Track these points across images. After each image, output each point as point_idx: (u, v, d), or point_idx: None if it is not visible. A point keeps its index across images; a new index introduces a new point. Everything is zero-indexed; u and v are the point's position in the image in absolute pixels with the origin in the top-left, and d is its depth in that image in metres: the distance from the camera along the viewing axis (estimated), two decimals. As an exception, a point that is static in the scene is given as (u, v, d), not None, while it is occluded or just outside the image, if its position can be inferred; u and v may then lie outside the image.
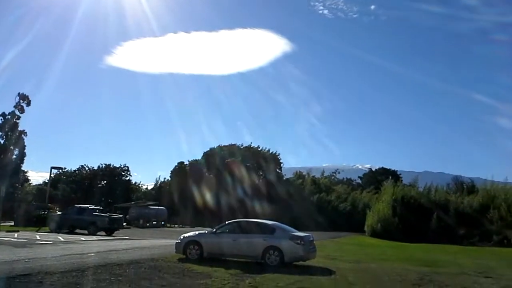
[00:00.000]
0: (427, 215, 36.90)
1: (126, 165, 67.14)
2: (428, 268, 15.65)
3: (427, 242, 33.28)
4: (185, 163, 63.53)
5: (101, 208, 35.62)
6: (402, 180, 59.87)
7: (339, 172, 78.31)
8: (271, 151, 63.50)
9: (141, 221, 46.32)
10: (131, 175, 68.25)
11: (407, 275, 13.44)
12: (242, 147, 63.53)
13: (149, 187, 71.67)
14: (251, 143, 64.57)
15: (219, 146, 63.81)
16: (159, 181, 66.90)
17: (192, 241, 15.47)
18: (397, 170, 73.44)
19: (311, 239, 15.49)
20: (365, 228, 41.19)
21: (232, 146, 63.46)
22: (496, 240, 32.18)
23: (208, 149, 63.81)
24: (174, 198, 54.58)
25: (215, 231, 15.74)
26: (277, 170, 62.73)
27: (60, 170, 60.52)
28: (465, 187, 43.49)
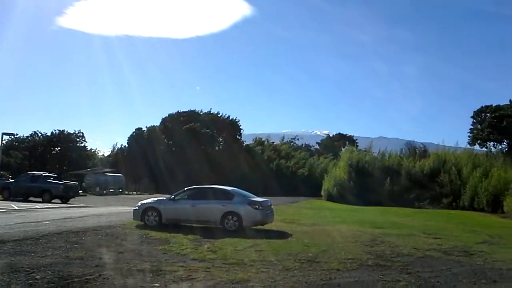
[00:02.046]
0: (381, 179, 38.24)
1: (81, 131, 65.13)
2: (381, 230, 16.34)
3: (380, 205, 34.60)
4: (143, 129, 62.37)
5: (55, 175, 34.68)
6: (358, 146, 61.44)
7: (298, 139, 79.33)
8: (231, 117, 63.28)
9: (97, 189, 45.64)
10: (86, 141, 66.40)
11: (361, 236, 14.00)
12: (201, 113, 62.86)
13: (106, 154, 70.24)
14: (211, 109, 63.94)
15: (178, 112, 62.88)
16: (116, 148, 65.57)
17: (150, 208, 15.39)
18: (353, 136, 75.24)
19: (269, 204, 15.78)
20: (322, 192, 42.29)
21: (191, 112, 62.63)
22: (445, 203, 33.81)
23: (167, 115, 62.81)
24: (132, 165, 53.82)
25: (174, 197, 15.73)
26: (237, 136, 62.79)
27: (12, 137, 58.01)
28: (418, 152, 45.11)
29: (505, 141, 46.70)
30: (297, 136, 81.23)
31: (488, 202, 29.63)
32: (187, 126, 57.95)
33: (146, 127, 62.70)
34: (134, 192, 49.50)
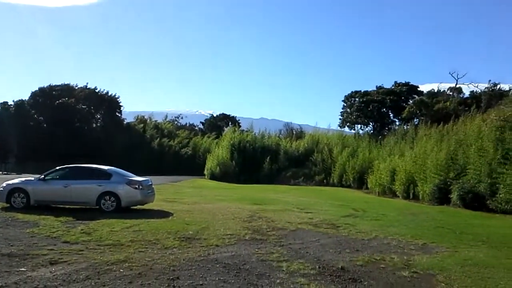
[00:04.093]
0: (261, 158, 39.90)
1: None
2: (258, 206, 17.08)
3: (260, 183, 36.16)
4: (9, 104, 56.46)
5: None
6: (240, 126, 62.83)
7: (182, 117, 78.41)
8: (110, 93, 60.14)
9: (-46, 169, 40.81)
10: None
11: (240, 213, 14.49)
12: (76, 88, 58.71)
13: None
14: (87, 83, 59.90)
15: (50, 85, 57.94)
16: (-23, 123, 58.41)
17: (16, 189, 14.20)
18: (236, 116, 76.61)
19: (150, 183, 15.51)
20: (205, 171, 42.68)
21: (65, 86, 58.09)
22: (318, 180, 36.49)
23: (37, 89, 57.54)
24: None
25: (44, 177, 14.63)
26: (117, 113, 60.01)
27: None
28: (294, 133, 47.91)
29: (371, 124, 51.33)
30: (181, 115, 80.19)
31: (355, 179, 32.61)
32: (60, 101, 53.80)
33: (14, 101, 56.90)
34: (0, 172, 44.93)
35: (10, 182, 14.77)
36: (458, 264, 8.11)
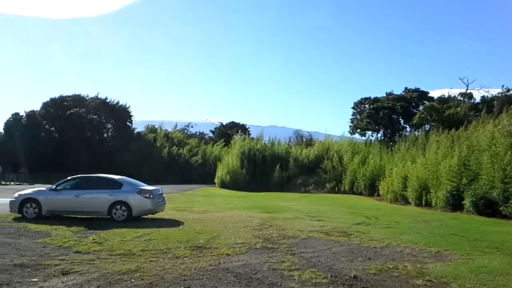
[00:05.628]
0: (271, 166, 39.90)
1: None
2: (269, 214, 17.01)
3: (270, 190, 36.08)
4: (21, 115, 57.14)
5: None
6: (250, 134, 62.90)
7: (192, 126, 78.76)
8: (120, 103, 60.64)
9: (-31, 179, 41.15)
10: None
11: (250, 221, 14.43)
12: (87, 98, 59.33)
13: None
14: (98, 94, 60.55)
15: (61, 96, 58.62)
16: (-10, 134, 59.11)
17: (28, 199, 14.30)
18: (245, 124, 76.70)
19: (160, 192, 15.55)
20: (216, 180, 42.74)
21: (76, 96, 58.75)
22: (328, 187, 36.32)
23: (49, 100, 58.22)
24: (10, 153, 49.10)
25: (56, 187, 14.73)
26: (128, 123, 60.46)
27: None
28: (304, 140, 47.87)
29: (381, 130, 51.07)
30: (190, 123, 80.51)
31: (366, 186, 32.35)
32: (71, 111, 54.33)
33: (25, 112, 57.60)
34: (12, 183, 45.30)
35: (22, 192, 14.89)
36: (473, 272, 7.97)
